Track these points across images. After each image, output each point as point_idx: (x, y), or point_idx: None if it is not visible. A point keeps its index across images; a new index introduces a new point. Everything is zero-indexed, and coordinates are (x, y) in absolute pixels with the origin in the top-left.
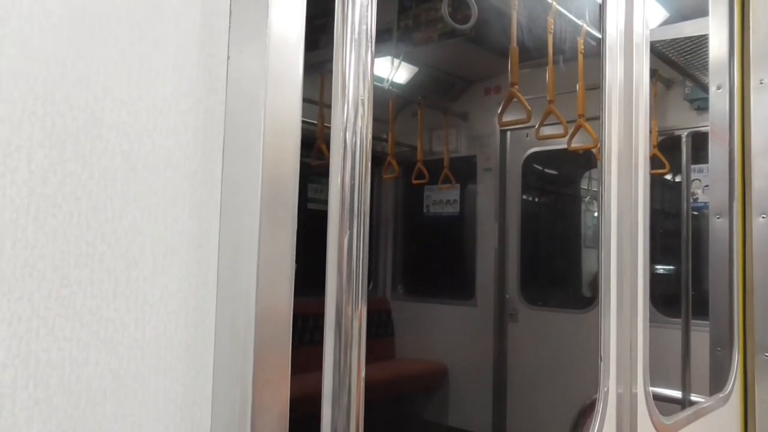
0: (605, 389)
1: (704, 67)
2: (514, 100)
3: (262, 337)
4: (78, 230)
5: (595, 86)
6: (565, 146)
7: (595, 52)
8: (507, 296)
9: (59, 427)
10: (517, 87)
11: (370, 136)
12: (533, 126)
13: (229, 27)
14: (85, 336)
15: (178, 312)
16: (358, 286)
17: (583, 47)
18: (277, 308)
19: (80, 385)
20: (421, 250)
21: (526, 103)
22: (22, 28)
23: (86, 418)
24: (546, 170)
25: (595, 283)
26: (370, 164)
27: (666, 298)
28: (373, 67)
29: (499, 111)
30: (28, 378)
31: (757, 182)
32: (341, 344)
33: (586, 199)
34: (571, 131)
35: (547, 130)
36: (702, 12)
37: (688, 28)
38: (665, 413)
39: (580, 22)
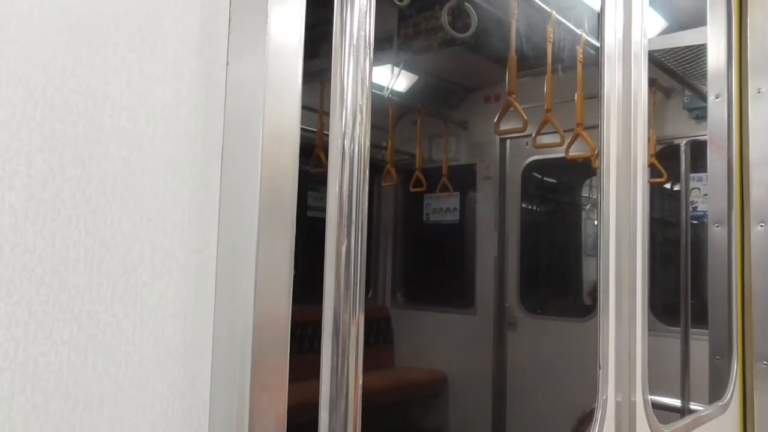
0: (604, 397)
1: (703, 76)
2: (511, 108)
3: (260, 342)
4: (77, 235)
5: (594, 95)
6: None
7: (594, 61)
8: (507, 304)
9: None
10: (514, 96)
11: (368, 143)
12: (531, 135)
13: (229, 33)
14: (83, 340)
15: (176, 317)
16: (356, 294)
17: (582, 56)
18: (276, 313)
19: (78, 389)
20: (421, 258)
21: (523, 113)
22: (22, 33)
23: (83, 422)
24: (545, 178)
25: (594, 292)
26: (368, 172)
27: (665, 306)
28: (371, 75)
29: (495, 120)
30: (25, 382)
31: (755, 191)
32: (339, 351)
33: (587, 207)
34: (568, 140)
35: (545, 139)
36: (700, 21)
37: (687, 38)
38: (664, 422)
39: (578, 32)
